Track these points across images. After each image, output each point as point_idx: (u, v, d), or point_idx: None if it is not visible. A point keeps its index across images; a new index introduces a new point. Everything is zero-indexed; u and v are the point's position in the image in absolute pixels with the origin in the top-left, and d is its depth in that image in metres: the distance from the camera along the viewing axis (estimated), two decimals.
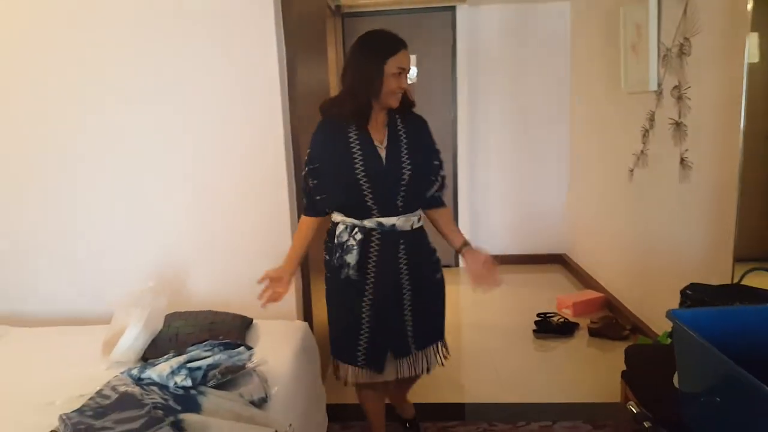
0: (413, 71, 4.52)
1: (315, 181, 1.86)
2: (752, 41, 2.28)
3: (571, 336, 3.28)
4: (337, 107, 1.82)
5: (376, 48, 1.78)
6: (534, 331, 3.32)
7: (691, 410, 1.46)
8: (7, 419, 1.49)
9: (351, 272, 1.84)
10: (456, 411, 2.56)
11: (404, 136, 1.85)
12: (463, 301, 3.97)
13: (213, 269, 2.38)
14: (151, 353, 1.74)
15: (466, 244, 1.97)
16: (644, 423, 1.62)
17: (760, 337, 1.57)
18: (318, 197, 1.88)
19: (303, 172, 1.89)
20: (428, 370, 2.01)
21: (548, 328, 3.30)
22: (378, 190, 1.80)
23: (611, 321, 3.25)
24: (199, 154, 2.31)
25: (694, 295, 2.11)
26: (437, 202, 1.98)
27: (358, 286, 1.86)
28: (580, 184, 4.39)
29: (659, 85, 2.88)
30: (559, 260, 4.71)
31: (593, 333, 3.24)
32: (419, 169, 1.85)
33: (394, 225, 1.83)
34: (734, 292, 2.07)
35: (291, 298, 2.39)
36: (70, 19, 2.25)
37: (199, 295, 2.37)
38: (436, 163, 1.93)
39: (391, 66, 1.76)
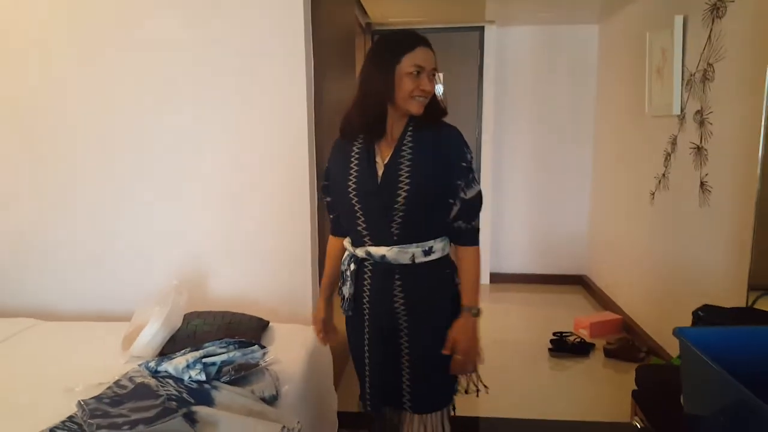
0: (440, 88, 4.60)
1: (328, 199, 1.69)
2: None
3: (586, 356, 3.27)
4: (346, 121, 1.58)
5: (390, 45, 1.50)
6: (550, 349, 3.32)
7: (696, 430, 1.47)
8: (29, 403, 1.58)
9: (346, 306, 1.61)
10: (470, 425, 2.58)
11: (410, 149, 1.51)
12: (484, 318, 3.98)
13: (234, 273, 2.46)
14: (169, 349, 1.81)
15: (465, 308, 1.57)
16: None
17: (764, 359, 1.58)
18: (332, 216, 1.71)
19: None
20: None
21: (564, 347, 3.30)
22: (369, 214, 1.52)
23: (627, 342, 3.23)
24: (226, 161, 2.40)
25: (706, 316, 2.12)
26: (456, 236, 1.57)
27: (357, 322, 1.63)
28: (602, 206, 4.38)
29: (682, 109, 2.89)
30: (579, 281, 4.69)
31: (609, 354, 3.22)
32: (423, 189, 1.48)
33: (384, 256, 1.51)
34: (746, 315, 2.07)
35: (307, 304, 2.47)
36: (103, 29, 2.37)
37: (220, 297, 2.45)
38: (459, 183, 1.52)
39: (405, 64, 1.47)
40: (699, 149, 2.71)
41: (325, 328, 1.76)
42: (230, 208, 2.43)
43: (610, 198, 4.19)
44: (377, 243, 1.53)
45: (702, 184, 2.67)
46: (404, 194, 1.48)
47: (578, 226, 4.69)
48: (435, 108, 1.55)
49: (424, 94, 1.49)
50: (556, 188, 4.69)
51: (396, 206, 1.48)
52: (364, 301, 1.59)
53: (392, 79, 1.47)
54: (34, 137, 2.47)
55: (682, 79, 2.87)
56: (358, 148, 1.56)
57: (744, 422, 1.24)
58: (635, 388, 2.27)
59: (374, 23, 4.51)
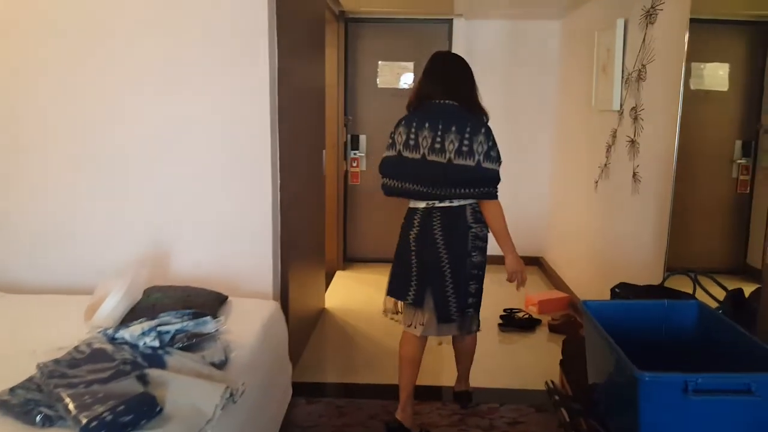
0: (409, 77, 4.77)
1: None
2: (723, 72, 2.49)
3: (532, 331, 3.52)
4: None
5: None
6: (499, 325, 3.57)
7: (597, 394, 1.68)
8: None
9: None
10: (424, 393, 2.77)
11: None
12: None
13: (196, 251, 2.59)
14: (129, 320, 1.93)
15: None
16: (554, 397, 1.85)
17: (658, 328, 1.79)
18: None
19: None
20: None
21: (513, 323, 3.54)
22: None
23: (570, 319, 3.48)
24: (188, 142, 2.52)
25: (622, 292, 2.36)
26: None
27: None
28: (558, 191, 4.61)
29: (621, 105, 3.10)
30: (536, 262, 4.94)
31: (553, 329, 3.48)
32: None
33: None
34: (654, 291, 2.30)
35: (268, 279, 2.62)
36: (73, 21, 2.49)
37: (181, 275, 2.59)
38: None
39: None
40: (633, 142, 2.93)
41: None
42: (193, 188, 2.55)
43: (564, 184, 4.42)
44: None
45: (634, 174, 2.90)
46: None
47: (539, 210, 4.91)
48: None
49: None
50: (520, 174, 4.89)
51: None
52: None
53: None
54: (3, 120, 2.57)
55: (622, 77, 3.08)
56: None
57: (621, 385, 1.44)
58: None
59: (347, 12, 4.64)
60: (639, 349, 1.58)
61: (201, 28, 2.45)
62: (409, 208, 2.34)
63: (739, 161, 2.38)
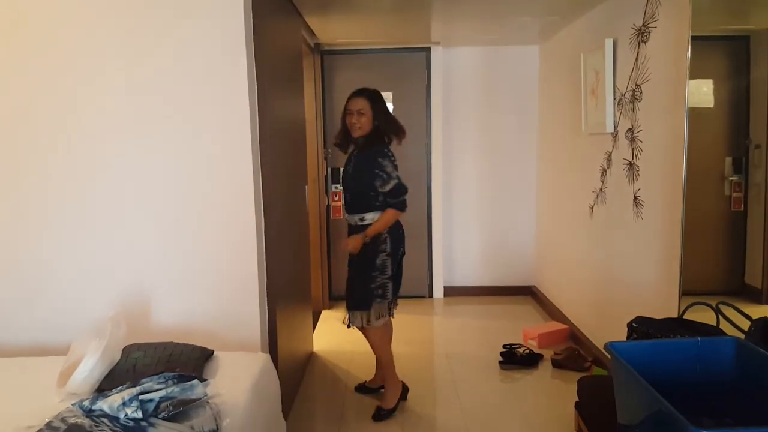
0: (389, 107, 4.65)
1: None
2: (707, 88, 2.44)
3: (535, 367, 3.35)
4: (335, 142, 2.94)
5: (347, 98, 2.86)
6: (500, 362, 3.39)
7: None
8: None
9: None
10: None
11: (352, 164, 2.82)
12: (438, 332, 4.05)
13: (178, 300, 2.41)
14: (107, 385, 1.75)
15: (363, 233, 2.73)
16: None
17: (691, 369, 1.67)
18: None
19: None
20: (357, 325, 2.80)
21: (513, 359, 3.37)
22: (345, 196, 2.89)
23: (574, 352, 3.33)
24: (167, 186, 2.36)
25: (640, 328, 2.21)
26: (385, 206, 2.74)
27: None
28: (547, 218, 4.52)
29: (615, 127, 3.03)
30: (528, 292, 4.81)
31: (556, 364, 3.31)
32: (355, 187, 2.78)
33: (347, 219, 2.87)
34: (676, 326, 2.17)
35: (255, 327, 2.44)
36: (43, 50, 2.32)
37: (163, 326, 2.40)
38: (376, 183, 2.68)
39: (347, 105, 2.79)
40: (631, 165, 2.84)
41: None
42: (172, 233, 2.39)
43: (553, 211, 4.33)
44: (347, 211, 2.85)
45: (635, 198, 2.80)
46: (349, 189, 2.82)
47: (526, 238, 4.81)
48: (376, 139, 2.76)
49: (350, 126, 2.78)
50: (505, 202, 4.81)
51: (347, 192, 2.83)
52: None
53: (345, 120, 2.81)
54: None
55: (614, 98, 3.02)
56: (347, 158, 2.90)
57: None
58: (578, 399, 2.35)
59: (323, 44, 4.54)
60: (672, 388, 1.45)
61: (178, 64, 2.31)
62: (399, 219, 2.81)
63: (731, 178, 2.34)
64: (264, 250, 2.50)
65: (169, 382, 1.64)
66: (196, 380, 1.68)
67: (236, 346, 2.38)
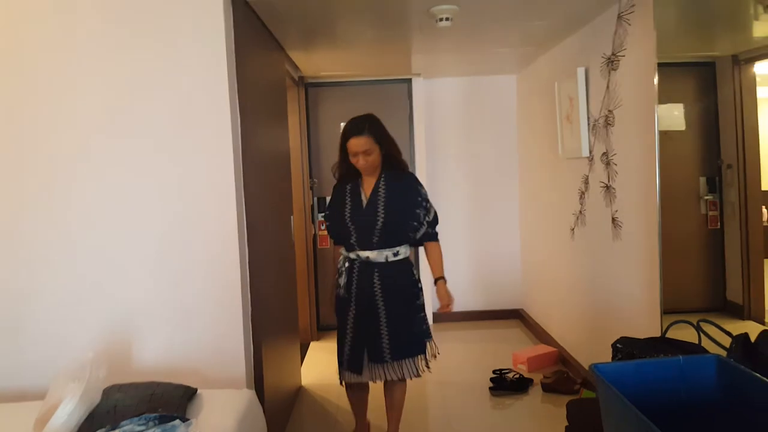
0: None
1: (328, 223, 2.65)
2: (678, 112, 2.53)
3: (525, 392, 3.34)
4: (334, 171, 2.62)
5: (342, 133, 2.49)
6: (491, 388, 3.38)
7: None
8: None
9: (341, 291, 2.54)
10: None
11: (384, 191, 2.48)
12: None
13: (161, 337, 2.36)
14: (86, 428, 1.70)
15: (440, 278, 2.57)
16: None
17: (675, 388, 1.69)
18: (331, 238, 2.67)
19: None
20: (403, 378, 2.53)
21: (504, 385, 3.36)
22: (358, 230, 2.47)
23: (563, 375, 3.33)
24: (150, 219, 2.33)
25: (624, 348, 2.23)
26: (426, 239, 2.57)
27: (346, 303, 2.53)
28: (532, 242, 4.56)
29: (590, 151, 3.10)
30: (516, 315, 4.82)
31: (546, 388, 3.31)
32: (395, 217, 2.45)
33: (368, 257, 2.47)
34: (659, 345, 2.19)
35: (240, 362, 2.39)
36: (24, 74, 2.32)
37: (146, 364, 2.35)
38: (418, 212, 2.50)
39: (348, 148, 2.44)
40: (608, 188, 2.90)
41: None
42: (154, 268, 2.34)
43: (537, 234, 4.38)
44: (363, 248, 2.48)
45: (613, 219, 2.86)
46: (381, 220, 2.45)
47: (513, 262, 4.85)
48: (396, 164, 2.54)
49: (360, 167, 2.48)
50: (490, 227, 4.86)
51: (376, 226, 2.45)
52: (353, 287, 2.50)
53: (346, 154, 2.49)
54: None
55: (588, 124, 3.10)
56: (350, 188, 2.55)
57: None
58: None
59: (307, 77, 4.62)
60: (657, 408, 1.46)
61: (160, 97, 2.32)
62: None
63: (706, 197, 2.40)
64: (249, 283, 2.48)
65: (150, 423, 1.62)
66: (178, 420, 1.66)
67: (221, 383, 2.33)
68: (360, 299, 2.48)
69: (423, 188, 2.56)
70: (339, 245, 2.63)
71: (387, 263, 2.46)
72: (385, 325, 2.45)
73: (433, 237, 2.57)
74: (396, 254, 2.47)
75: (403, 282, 2.50)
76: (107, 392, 1.92)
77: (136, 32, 2.30)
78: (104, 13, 2.30)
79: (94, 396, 1.83)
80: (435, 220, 2.57)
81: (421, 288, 2.58)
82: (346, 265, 2.52)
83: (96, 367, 1.85)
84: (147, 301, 2.36)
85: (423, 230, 2.51)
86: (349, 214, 2.49)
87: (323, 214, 2.55)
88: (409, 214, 2.48)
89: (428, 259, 2.61)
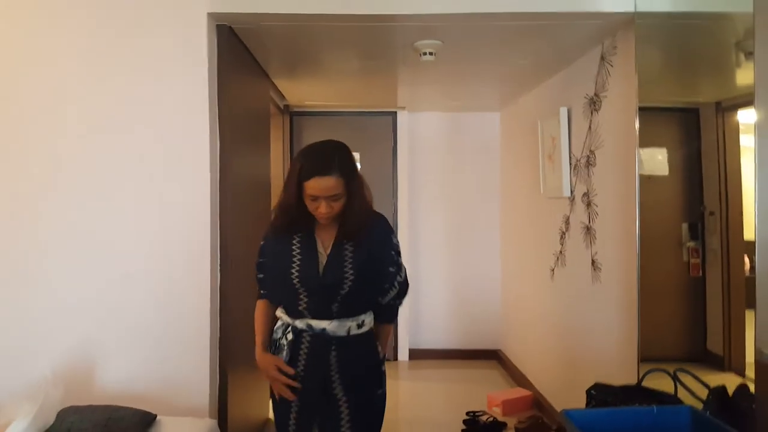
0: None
1: (261, 275, 1.90)
2: (661, 156, 2.53)
3: None
4: (275, 216, 1.79)
5: (299, 166, 1.67)
6: (463, 430, 3.27)
7: None
8: None
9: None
10: None
11: (352, 246, 1.75)
12: (402, 396, 3.91)
13: (124, 360, 2.31)
14: None
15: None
16: None
17: None
18: (263, 291, 1.91)
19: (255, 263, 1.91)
20: None
21: (476, 427, 3.26)
22: (313, 295, 1.74)
23: (537, 421, 3.24)
24: (119, 244, 2.30)
25: (598, 395, 2.17)
26: (386, 317, 1.91)
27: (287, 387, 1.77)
28: (511, 281, 4.52)
29: (572, 191, 3.09)
30: (494, 356, 4.73)
31: None
32: (366, 278, 1.76)
33: (324, 329, 1.74)
34: (634, 393, 2.13)
35: (204, 392, 2.32)
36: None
37: (107, 388, 2.28)
38: (392, 269, 1.84)
39: (306, 189, 1.65)
40: (588, 229, 2.88)
41: (285, 370, 1.76)
42: (120, 291, 2.31)
43: (517, 273, 4.34)
44: (318, 317, 1.75)
45: (593, 261, 2.83)
46: (349, 282, 1.73)
47: (492, 301, 4.79)
48: (363, 207, 1.76)
49: (320, 215, 1.69)
50: (470, 264, 4.81)
51: (342, 291, 1.73)
52: (299, 367, 1.77)
53: (301, 196, 1.69)
54: None
55: (570, 163, 3.10)
56: (299, 238, 1.78)
57: None
58: None
59: (292, 105, 4.62)
60: None
61: (139, 121, 2.31)
62: None
63: (688, 244, 2.37)
64: (218, 311, 2.43)
65: None
66: None
67: (184, 411, 2.26)
68: (310, 385, 1.77)
69: (396, 237, 1.90)
70: (272, 303, 1.91)
71: (348, 337, 1.77)
72: (347, 419, 1.78)
73: (393, 317, 1.97)
74: (360, 325, 1.79)
75: (369, 363, 1.83)
76: (63, 414, 1.85)
77: (118, 56, 2.31)
78: (85, 37, 2.31)
79: (49, 417, 1.77)
80: (405, 286, 1.93)
81: (385, 371, 1.88)
82: (289, 337, 1.78)
83: (52, 388, 1.78)
84: (112, 324, 2.31)
85: (390, 296, 1.87)
86: (297, 274, 1.74)
87: (258, 261, 1.91)
88: (383, 274, 1.84)
89: (376, 338, 1.91)
